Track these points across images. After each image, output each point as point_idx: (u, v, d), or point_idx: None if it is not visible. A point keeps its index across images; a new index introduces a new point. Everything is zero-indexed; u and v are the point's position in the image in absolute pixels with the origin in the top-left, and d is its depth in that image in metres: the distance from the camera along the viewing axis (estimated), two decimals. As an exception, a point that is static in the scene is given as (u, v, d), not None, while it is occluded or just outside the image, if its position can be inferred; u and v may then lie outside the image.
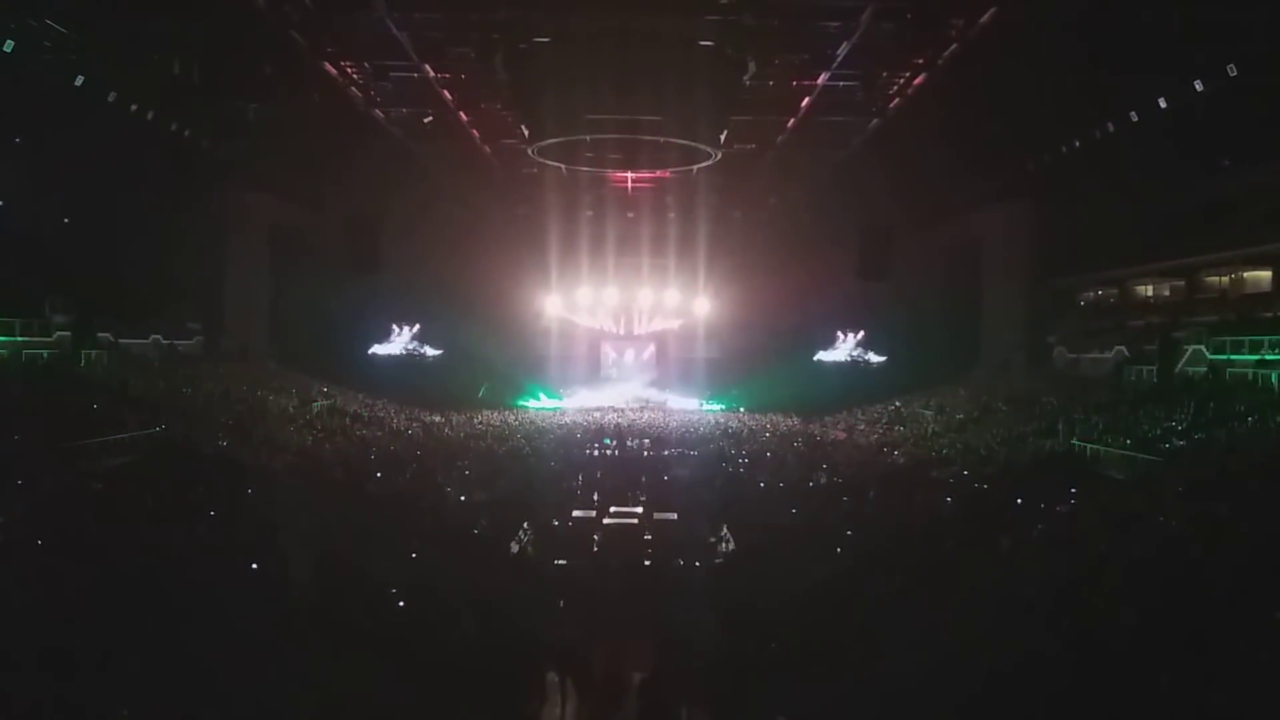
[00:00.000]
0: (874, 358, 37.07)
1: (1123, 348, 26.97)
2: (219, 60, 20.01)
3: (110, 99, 20.87)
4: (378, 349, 36.92)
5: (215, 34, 18.37)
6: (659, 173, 27.11)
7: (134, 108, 21.66)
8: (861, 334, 37.25)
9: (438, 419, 30.03)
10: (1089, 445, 19.15)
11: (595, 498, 16.68)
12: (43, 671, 6.60)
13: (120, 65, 20.03)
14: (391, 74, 20.06)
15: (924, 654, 7.37)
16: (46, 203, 24.58)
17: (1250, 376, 21.55)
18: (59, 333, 24.08)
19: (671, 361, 39.07)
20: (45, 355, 22.89)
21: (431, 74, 19.84)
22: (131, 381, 23.17)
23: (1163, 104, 20.34)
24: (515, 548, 12.86)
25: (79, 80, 19.72)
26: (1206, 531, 11.83)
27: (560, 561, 12.13)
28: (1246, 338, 22.40)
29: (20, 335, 22.62)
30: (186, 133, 23.84)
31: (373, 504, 14.48)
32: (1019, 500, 14.61)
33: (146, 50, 19.63)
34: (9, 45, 17.74)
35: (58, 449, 16.24)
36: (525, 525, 13.85)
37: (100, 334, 25.45)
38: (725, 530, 13.39)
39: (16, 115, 20.84)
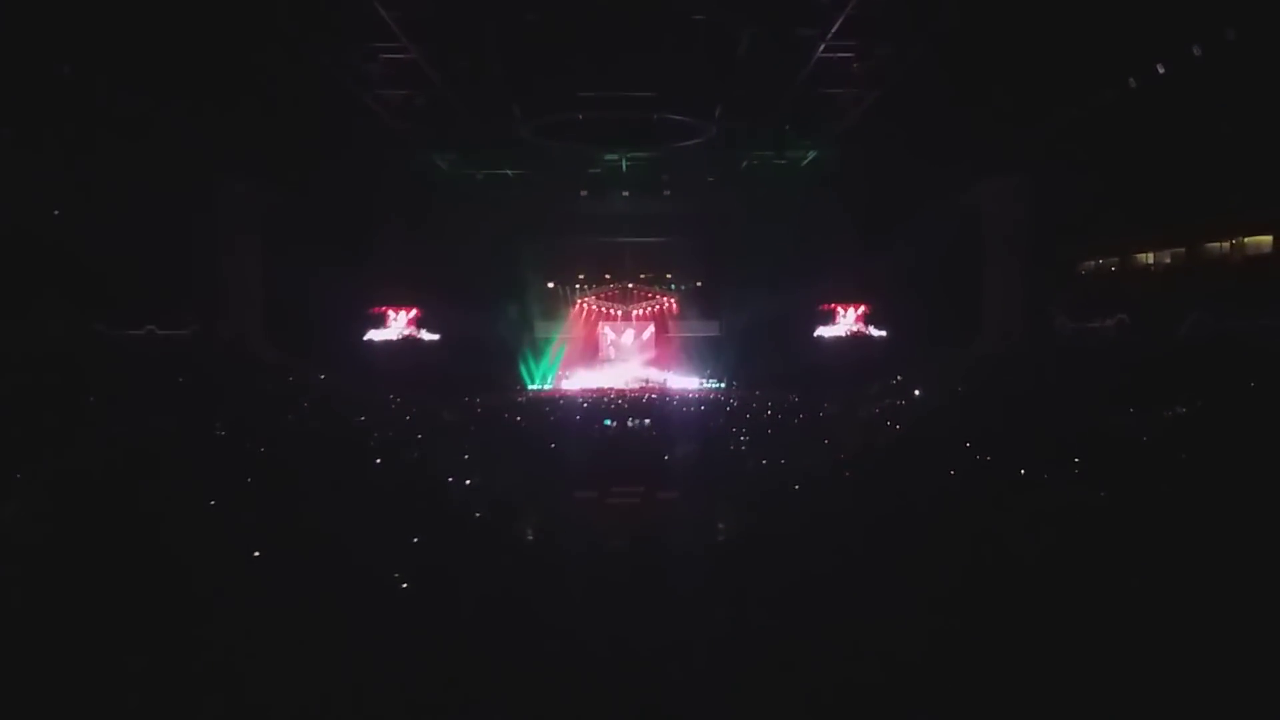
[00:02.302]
0: (875, 332, 36.85)
1: (1124, 316, 26.83)
2: (206, 48, 19.72)
3: (98, 89, 20.65)
4: (374, 335, 36.71)
5: (201, 21, 18.09)
6: (654, 149, 26.88)
7: (122, 97, 21.43)
8: (862, 309, 37.03)
9: (436, 404, 29.93)
10: (1092, 413, 19.03)
11: (596, 478, 16.60)
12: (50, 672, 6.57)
13: (107, 55, 19.77)
14: (379, 56, 19.83)
15: (922, 628, 7.28)
16: (36, 195, 24.36)
17: (1254, 341, 21.40)
18: (51, 324, 23.95)
19: (671, 341, 38.94)
20: (37, 348, 22.77)
21: (420, 54, 19.58)
22: (126, 373, 23.05)
23: (1160, 70, 20.13)
24: (516, 530, 12.76)
25: (66, 71, 19.51)
26: (1212, 498, 11.75)
27: (562, 542, 12.03)
28: (1249, 303, 22.31)
29: (11, 328, 22.49)
30: (174, 121, 23.59)
31: (373, 491, 14.37)
32: (1023, 471, 14.55)
33: (132, 40, 19.36)
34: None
35: (52, 443, 16.15)
36: (526, 508, 13.75)
37: (93, 325, 25.34)
38: (727, 507, 13.30)
39: (4, 109, 20.59)
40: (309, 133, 26.60)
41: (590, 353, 38.98)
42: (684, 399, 32.51)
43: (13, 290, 22.74)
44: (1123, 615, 7.70)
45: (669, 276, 38.82)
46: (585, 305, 39.01)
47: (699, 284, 38.34)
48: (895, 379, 30.06)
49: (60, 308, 24.55)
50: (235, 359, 28.99)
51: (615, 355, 39.26)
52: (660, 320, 39.21)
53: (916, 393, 27.74)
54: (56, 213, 26.32)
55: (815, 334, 37.00)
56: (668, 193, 33.55)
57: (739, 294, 35.56)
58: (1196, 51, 18.86)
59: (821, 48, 19.27)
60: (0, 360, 21.28)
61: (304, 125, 25.87)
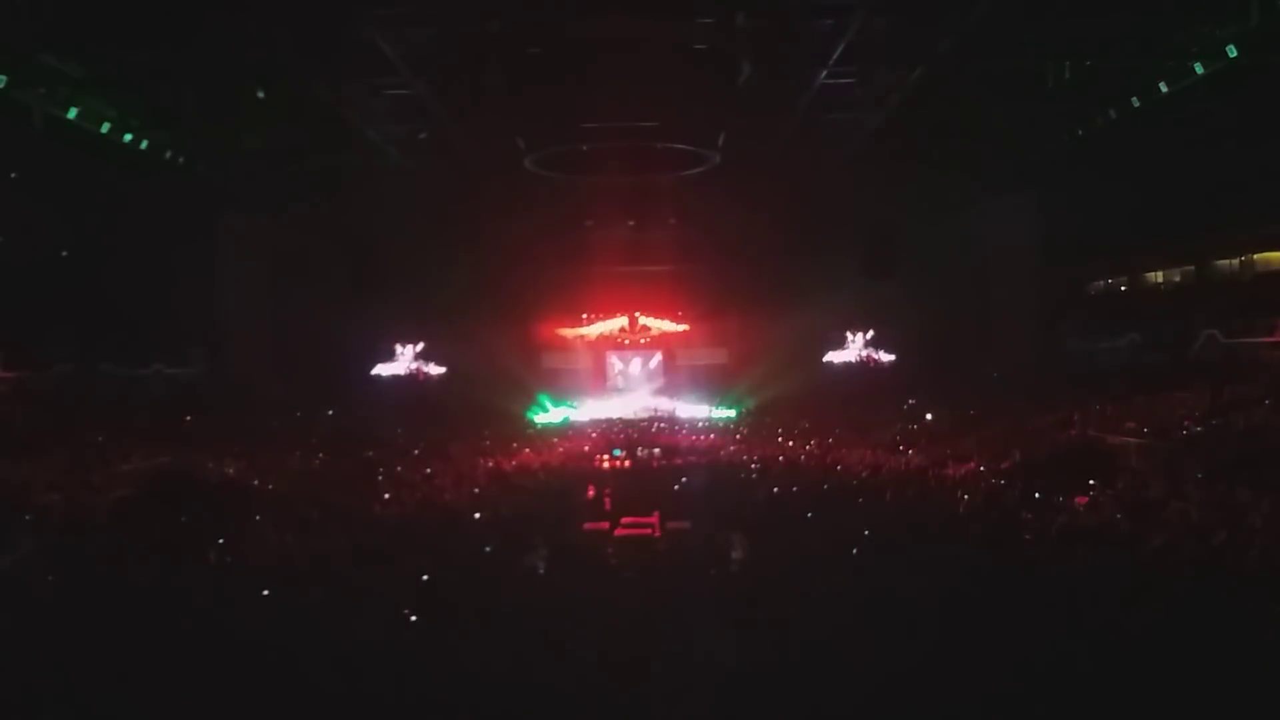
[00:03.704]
0: (884, 356, 36.65)
1: (1135, 335, 26.68)
2: (211, 86, 19.93)
3: (104, 130, 20.85)
4: (381, 370, 36.69)
5: (206, 60, 18.28)
6: (658, 178, 26.92)
7: (128, 138, 21.63)
8: (870, 333, 36.82)
9: (443, 436, 29.84)
10: (1106, 434, 18.88)
11: (607, 509, 16.50)
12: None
13: (113, 96, 20.00)
14: (383, 91, 19.97)
15: (942, 651, 7.17)
16: (44, 236, 24.56)
17: (1265, 358, 21.27)
18: (60, 365, 24.05)
19: (679, 369, 38.79)
20: (47, 388, 22.86)
21: (423, 89, 19.70)
22: (135, 412, 23.08)
23: (1164, 88, 20.12)
24: (527, 563, 12.65)
25: (72, 113, 19.71)
26: (1228, 517, 11.60)
27: (572, 575, 11.91)
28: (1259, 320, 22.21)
29: (21, 368, 22.61)
30: (181, 160, 23.77)
31: (381, 525, 14.30)
32: (1037, 494, 14.40)
33: (139, 80, 19.59)
34: (1, 80, 17.76)
35: (63, 481, 16.14)
36: (536, 540, 13.65)
37: (102, 365, 25.43)
38: (739, 538, 13.17)
39: (11, 149, 20.81)
40: (315, 169, 26.82)
41: (598, 382, 38.83)
42: (693, 427, 32.37)
43: (22, 330, 22.85)
44: (1144, 636, 7.60)
45: (676, 304, 38.72)
46: (593, 334, 38.91)
47: (707, 311, 38.22)
48: (907, 403, 29.89)
49: (68, 347, 24.65)
50: (243, 396, 28.98)
51: (624, 384, 39.09)
52: (668, 348, 39.10)
53: (929, 416, 27.56)
54: (65, 253, 26.58)
55: (825, 359, 36.82)
56: (673, 221, 33.60)
57: (747, 320, 35.44)
58: (1199, 70, 18.89)
59: (824, 74, 19.33)
60: (10, 399, 21.36)
61: (310, 161, 26.08)
